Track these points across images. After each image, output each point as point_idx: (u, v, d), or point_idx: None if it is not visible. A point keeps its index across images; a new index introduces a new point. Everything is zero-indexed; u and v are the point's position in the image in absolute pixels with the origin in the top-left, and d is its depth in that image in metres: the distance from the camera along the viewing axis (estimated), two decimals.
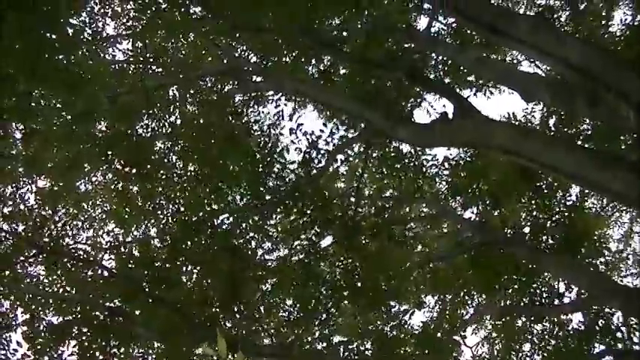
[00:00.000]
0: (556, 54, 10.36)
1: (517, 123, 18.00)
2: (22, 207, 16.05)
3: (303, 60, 15.71)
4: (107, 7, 16.86)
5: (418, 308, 17.27)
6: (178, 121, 16.72)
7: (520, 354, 17.40)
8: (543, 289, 16.64)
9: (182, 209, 16.04)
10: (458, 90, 17.13)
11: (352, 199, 17.10)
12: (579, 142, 16.56)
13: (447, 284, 17.40)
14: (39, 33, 11.03)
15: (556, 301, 16.53)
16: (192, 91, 16.74)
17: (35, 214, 16.10)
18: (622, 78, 9.79)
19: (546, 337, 16.91)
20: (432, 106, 17.35)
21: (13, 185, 16.13)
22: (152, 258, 14.75)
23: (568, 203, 16.80)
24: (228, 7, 13.11)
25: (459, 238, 17.37)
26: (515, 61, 17.25)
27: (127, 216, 17.11)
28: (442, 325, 17.65)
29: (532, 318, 16.93)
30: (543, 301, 16.55)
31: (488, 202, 16.97)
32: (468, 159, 16.85)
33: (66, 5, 11.43)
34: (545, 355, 16.55)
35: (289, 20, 11.21)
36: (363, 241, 15.88)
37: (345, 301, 15.90)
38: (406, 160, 17.31)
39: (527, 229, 16.91)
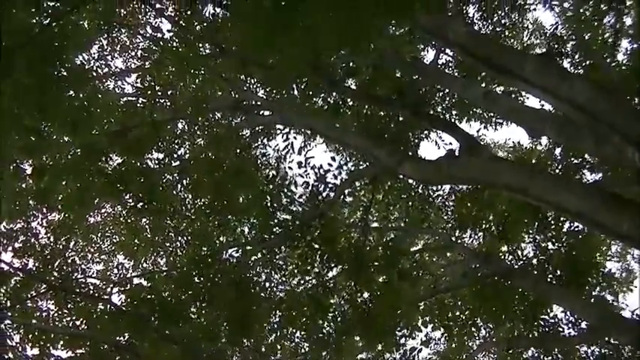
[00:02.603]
0: (561, 95, 10.44)
1: (523, 153, 18.18)
2: (32, 241, 16.15)
3: (311, 94, 15.83)
4: (116, 41, 17.05)
5: (426, 345, 17.30)
6: (187, 155, 16.86)
7: None
8: (551, 321, 16.68)
9: (191, 242, 16.15)
10: (465, 122, 17.31)
11: (360, 231, 17.21)
12: (584, 172, 16.70)
13: (453, 316, 17.43)
14: (46, 69, 11.17)
15: (564, 333, 16.57)
16: (201, 125, 16.85)
17: (45, 249, 16.19)
18: (627, 120, 9.86)
19: None
20: (440, 138, 17.45)
21: (24, 220, 16.25)
22: (160, 292, 14.79)
23: (573, 234, 16.85)
24: (238, 45, 13.25)
25: (465, 269, 17.37)
26: (521, 94, 17.32)
27: (136, 248, 17.25)
28: (449, 357, 17.66)
29: (540, 349, 16.95)
30: (551, 332, 16.58)
31: (494, 232, 17.04)
32: (473, 190, 16.94)
33: (74, 41, 11.59)
34: None
35: (299, 58, 11.30)
36: (371, 274, 15.91)
37: (355, 335, 15.95)
38: (412, 192, 17.44)
39: (533, 260, 16.95)
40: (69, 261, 16.69)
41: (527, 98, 17.05)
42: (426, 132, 16.82)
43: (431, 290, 17.54)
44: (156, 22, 16.61)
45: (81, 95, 12.18)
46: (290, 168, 16.72)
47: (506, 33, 17.57)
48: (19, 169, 14.28)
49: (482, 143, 16.06)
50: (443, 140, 17.35)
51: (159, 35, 15.72)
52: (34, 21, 11.40)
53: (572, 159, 16.64)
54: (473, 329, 17.54)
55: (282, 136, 17.32)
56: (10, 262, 15.63)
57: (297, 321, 15.72)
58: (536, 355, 17.23)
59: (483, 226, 17.19)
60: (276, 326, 15.91)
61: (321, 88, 15.63)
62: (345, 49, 12.34)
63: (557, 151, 17.07)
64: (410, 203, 17.66)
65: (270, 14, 9.52)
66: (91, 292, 16.06)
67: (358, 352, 17.25)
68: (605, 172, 16.24)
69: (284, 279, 16.27)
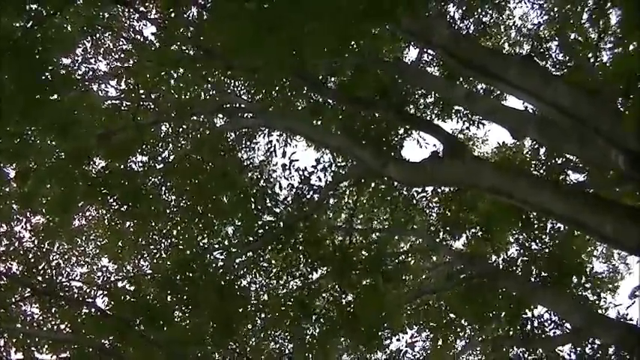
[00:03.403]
0: (545, 98, 10.50)
1: (507, 153, 18.23)
2: (16, 245, 16.09)
3: (293, 96, 15.85)
4: (99, 44, 17.01)
5: (411, 348, 17.32)
6: (171, 157, 16.84)
7: None
8: (534, 321, 16.74)
9: (175, 245, 16.14)
10: (448, 121, 17.36)
11: (344, 233, 17.24)
12: (569, 173, 16.78)
13: (438, 317, 17.48)
14: (30, 73, 11.12)
15: (549, 333, 16.64)
16: (184, 128, 16.84)
17: (29, 253, 16.15)
18: (612, 123, 9.91)
19: None
20: (422, 138, 17.48)
21: (7, 224, 16.20)
22: (144, 295, 14.77)
23: (557, 235, 16.93)
24: (221, 47, 13.22)
25: (449, 271, 17.41)
26: (503, 95, 17.35)
27: (119, 251, 17.22)
28: (435, 358, 17.70)
29: (524, 349, 17.00)
30: (535, 331, 16.64)
31: (477, 233, 17.11)
32: (456, 192, 17.00)
33: (58, 45, 11.55)
34: None
35: (283, 60, 11.30)
36: (356, 276, 15.93)
37: (339, 337, 15.96)
38: (396, 193, 17.48)
39: (518, 261, 17.01)
40: (53, 264, 16.65)
41: (507, 99, 17.13)
42: (408, 132, 16.82)
43: (415, 292, 17.57)
44: (139, 25, 16.63)
45: (65, 99, 12.13)
46: (274, 170, 16.77)
47: (488, 32, 17.66)
48: (2, 173, 14.22)
49: (465, 144, 16.07)
50: (425, 140, 17.40)
51: (141, 38, 15.71)
52: (17, 25, 11.37)
53: (557, 159, 16.70)
54: (458, 330, 17.60)
55: (265, 138, 17.41)
56: None
57: (281, 323, 15.75)
58: (520, 354, 17.29)
59: (467, 227, 17.25)
60: (260, 328, 15.93)
61: (303, 90, 15.65)
62: (329, 53, 12.35)
63: (542, 151, 17.13)
64: (394, 205, 17.68)
65: (253, 16, 9.53)
66: (75, 295, 16.03)
67: (342, 353, 17.24)
68: (589, 173, 16.32)
69: (268, 281, 16.26)
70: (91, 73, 16.64)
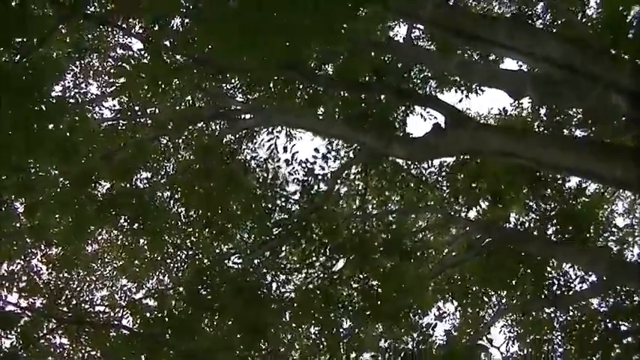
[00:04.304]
0: (536, 53, 10.46)
1: (509, 119, 18.17)
2: (35, 279, 16.10)
3: (289, 90, 15.80)
4: (88, 67, 17.00)
5: (440, 320, 17.29)
6: (175, 169, 16.82)
7: (549, 345, 17.46)
8: (559, 279, 16.72)
9: (192, 255, 16.12)
10: (446, 93, 17.29)
11: (358, 219, 17.19)
12: (572, 129, 16.72)
13: (463, 289, 17.44)
14: (24, 106, 11.10)
15: (576, 288, 16.63)
16: (184, 138, 16.81)
17: (49, 285, 16.15)
18: (606, 69, 9.88)
19: (571, 324, 16.99)
20: (426, 111, 17.34)
21: (23, 259, 16.20)
22: (169, 309, 14.76)
23: (568, 190, 16.91)
24: (209, 52, 13.18)
25: (468, 242, 17.37)
26: (497, 59, 17.25)
27: (137, 270, 17.22)
28: (465, 330, 17.68)
29: (554, 309, 16.99)
30: (562, 290, 16.62)
31: (490, 200, 17.06)
32: (464, 162, 16.95)
33: (47, 74, 11.52)
34: (573, 340, 16.63)
35: (272, 57, 11.25)
36: (376, 260, 15.88)
37: (367, 321, 15.93)
38: (405, 172, 17.44)
39: (533, 223, 16.99)
40: (74, 293, 16.65)
41: (503, 62, 17.04)
42: (410, 109, 16.75)
43: (438, 267, 17.53)
44: (125, 42, 16.58)
45: (61, 126, 12.10)
46: (278, 167, 16.72)
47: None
48: (11, 209, 14.22)
49: (466, 113, 16.01)
50: (429, 113, 17.26)
51: (129, 54, 15.66)
52: (5, 59, 11.36)
53: (559, 117, 16.65)
54: (485, 299, 17.58)
55: (266, 137, 17.35)
56: (16, 303, 15.60)
57: (309, 317, 15.72)
58: (552, 315, 17.28)
59: (479, 196, 17.21)
60: (289, 326, 15.89)
61: (298, 83, 15.60)
62: (319, 41, 12.30)
63: (543, 111, 17.07)
64: (404, 185, 17.64)
65: (237, 16, 9.47)
66: (101, 320, 16.03)
67: (377, 339, 17.21)
68: (593, 125, 16.26)
69: (290, 278, 16.22)
70: (83, 96, 16.60)
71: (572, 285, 16.73)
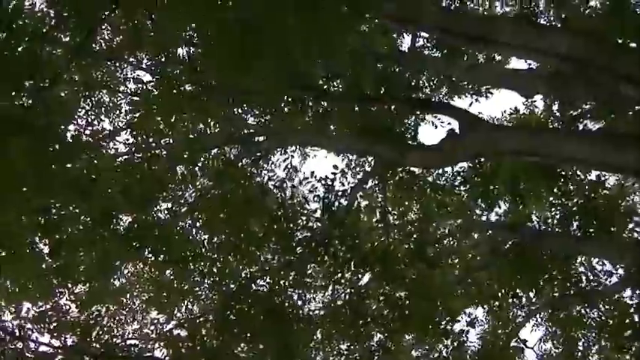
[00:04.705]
0: (543, 49, 10.52)
1: (522, 118, 18.14)
2: (65, 318, 16.12)
3: (300, 110, 15.86)
4: (99, 104, 17.11)
5: (472, 325, 17.23)
6: (193, 197, 16.85)
7: (583, 341, 17.39)
8: (588, 274, 16.66)
9: (218, 282, 16.12)
10: (457, 99, 17.28)
11: (380, 232, 17.19)
12: (585, 122, 16.68)
13: (492, 292, 17.38)
14: (40, 148, 11.19)
15: (605, 282, 16.55)
16: (200, 165, 16.84)
17: (80, 323, 16.17)
18: (612, 57, 9.89)
19: (603, 318, 16.90)
20: (437, 119, 17.31)
21: (52, 300, 16.22)
22: (200, 337, 14.78)
23: (588, 185, 16.87)
24: (216, 77, 13.27)
25: (492, 245, 17.33)
26: (504, 60, 17.25)
27: (165, 300, 17.24)
28: (497, 333, 17.60)
29: (585, 304, 16.90)
30: (591, 285, 16.56)
31: (510, 201, 17.04)
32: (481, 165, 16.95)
33: (59, 115, 11.63)
34: (607, 336, 16.54)
35: (277, 78, 11.30)
36: (401, 270, 15.87)
37: (398, 333, 15.90)
38: (422, 181, 17.44)
39: (555, 219, 16.95)
40: (105, 328, 16.68)
41: (510, 63, 17.02)
42: (421, 118, 16.75)
43: (464, 273, 17.49)
44: (134, 75, 16.71)
45: (78, 165, 12.19)
46: (296, 186, 16.74)
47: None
48: (35, 251, 14.27)
49: (479, 116, 15.98)
50: (440, 120, 17.25)
51: (140, 87, 15.81)
52: (18, 103, 11.47)
53: (572, 111, 16.62)
54: (514, 300, 17.50)
55: (282, 157, 17.41)
56: (48, 343, 15.64)
57: (339, 334, 15.70)
58: (583, 311, 17.19)
59: (499, 197, 17.20)
60: (320, 344, 15.88)
61: (307, 101, 15.65)
62: (320, 58, 12.34)
63: (555, 107, 17.04)
64: (422, 193, 17.63)
65: (238, 40, 9.54)
66: (134, 353, 16.05)
67: (410, 349, 17.18)
68: (605, 117, 16.21)
69: (317, 296, 16.23)
70: (97, 133, 16.68)
71: (601, 279, 16.67)
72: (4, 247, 12.57)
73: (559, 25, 16.13)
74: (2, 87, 10.92)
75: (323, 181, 15.86)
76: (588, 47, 10.04)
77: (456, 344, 16.59)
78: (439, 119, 17.01)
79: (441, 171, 17.25)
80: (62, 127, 11.97)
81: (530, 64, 14.22)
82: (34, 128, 10.99)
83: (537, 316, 18.22)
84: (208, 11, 10.23)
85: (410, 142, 15.90)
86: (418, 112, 16.31)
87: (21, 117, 10.90)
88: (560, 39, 10.26)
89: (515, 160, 14.13)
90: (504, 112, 19.62)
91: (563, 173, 16.62)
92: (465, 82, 16.82)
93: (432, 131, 18.41)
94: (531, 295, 17.41)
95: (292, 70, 10.97)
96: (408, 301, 15.57)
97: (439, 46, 16.66)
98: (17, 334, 15.60)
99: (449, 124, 16.54)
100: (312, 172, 15.95)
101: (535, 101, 17.34)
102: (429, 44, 17.09)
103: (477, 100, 17.51)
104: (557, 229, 16.70)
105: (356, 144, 14.25)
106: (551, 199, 17.11)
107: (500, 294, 17.43)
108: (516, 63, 17.98)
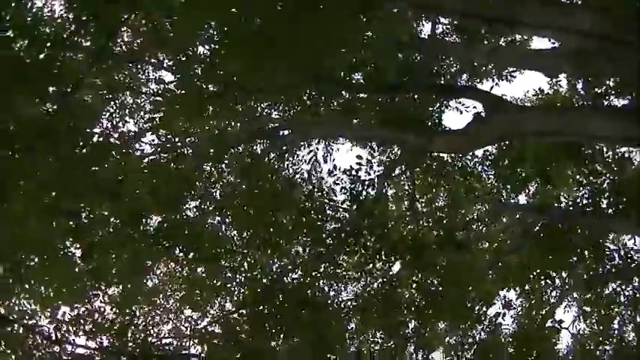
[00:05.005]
0: (567, 27, 10.44)
1: (546, 98, 18.05)
2: (100, 320, 16.22)
3: (322, 101, 15.84)
4: (123, 106, 17.19)
5: (507, 307, 17.18)
6: (221, 194, 16.92)
7: (618, 319, 17.31)
8: (620, 251, 16.56)
9: (250, 277, 16.17)
10: (479, 84, 17.19)
11: (409, 219, 17.18)
12: (610, 99, 16.56)
13: (524, 274, 17.30)
14: (66, 152, 11.27)
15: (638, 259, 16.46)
16: (227, 162, 16.89)
17: (114, 324, 16.27)
18: (636, 33, 9.83)
19: (638, 295, 16.83)
20: (461, 104, 17.24)
21: (87, 302, 16.33)
22: (235, 333, 14.84)
23: (616, 162, 16.77)
24: (239, 77, 13.28)
25: (522, 227, 17.26)
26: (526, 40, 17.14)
27: (198, 298, 17.31)
28: (532, 314, 17.55)
29: (618, 282, 16.82)
30: (624, 262, 16.46)
31: (538, 182, 16.98)
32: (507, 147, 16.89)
33: (84, 118, 11.70)
34: None
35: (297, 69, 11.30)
36: (432, 257, 15.84)
37: (432, 320, 15.91)
38: (449, 167, 17.40)
39: (585, 198, 16.86)
40: (139, 328, 16.77)
41: (531, 44, 16.91)
42: (445, 104, 16.69)
43: (495, 257, 17.44)
44: (156, 76, 16.76)
45: (106, 166, 12.25)
46: (322, 178, 16.74)
47: None
48: (67, 255, 14.36)
49: (504, 98, 15.88)
50: (464, 105, 17.17)
51: (163, 87, 15.87)
52: (42, 110, 11.56)
53: (597, 89, 16.50)
54: (547, 281, 17.42)
55: (306, 150, 17.41)
56: (85, 345, 15.76)
57: (373, 323, 15.72)
58: (617, 289, 17.10)
59: (527, 179, 17.14)
60: (355, 334, 15.90)
61: (330, 94, 15.64)
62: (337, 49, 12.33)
63: (579, 86, 16.93)
64: (450, 179, 17.59)
65: (260, 36, 9.57)
66: (169, 352, 16.14)
67: (444, 336, 17.17)
68: (630, 93, 16.09)
69: (350, 286, 16.25)
70: (122, 135, 16.75)
71: (634, 256, 16.56)
72: (36, 253, 12.69)
73: (581, 2, 16.09)
74: (26, 94, 11.02)
75: (349, 172, 15.84)
76: (612, 24, 9.99)
77: (491, 328, 16.54)
78: (463, 105, 17.02)
79: (469, 155, 17.19)
80: (87, 130, 12.04)
81: (553, 43, 14.12)
82: (59, 133, 11.07)
83: (571, 296, 18.14)
84: (225, 9, 10.30)
85: (436, 128, 15.85)
86: (442, 98, 16.25)
87: (46, 123, 10.99)
88: (583, 16, 10.21)
89: (541, 140, 14.04)
90: (527, 93, 19.66)
91: (590, 152, 16.54)
92: (487, 67, 16.75)
93: (456, 117, 18.32)
94: (564, 275, 17.33)
95: (312, 62, 10.98)
96: (440, 288, 15.56)
97: (459, 31, 16.62)
98: (54, 337, 15.74)
99: (474, 107, 16.57)
100: (336, 165, 15.97)
101: (559, 81, 17.28)
102: (448, 30, 17.07)
103: (497, 84, 17.48)
104: (586, 209, 16.58)
105: (381, 133, 14.22)
106: (578, 178, 17.03)
107: (532, 276, 17.35)
108: (538, 44, 17.80)
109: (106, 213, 13.64)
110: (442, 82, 16.62)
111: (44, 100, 11.56)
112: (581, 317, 18.25)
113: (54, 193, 11.53)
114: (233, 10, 10.17)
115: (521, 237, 17.03)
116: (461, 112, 17.08)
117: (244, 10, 9.85)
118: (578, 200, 16.86)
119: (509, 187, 17.32)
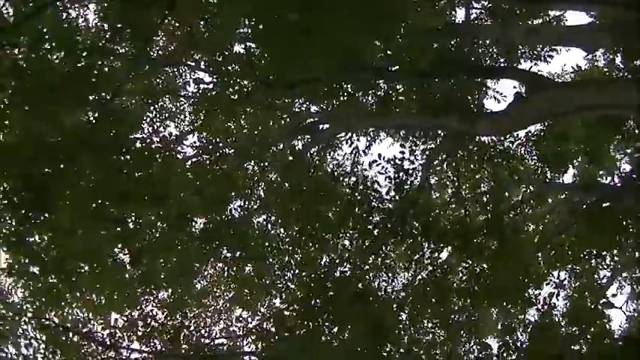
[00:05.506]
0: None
1: (584, 74, 17.87)
2: (152, 323, 16.34)
3: (361, 94, 15.80)
4: (163, 110, 17.30)
5: (561, 287, 17.01)
6: (265, 192, 16.97)
7: None
8: None
9: (299, 273, 16.19)
10: (518, 65, 17.05)
11: (454, 206, 17.10)
12: None
13: (574, 255, 17.15)
14: (110, 159, 11.36)
15: None
16: (269, 160, 16.93)
17: (166, 326, 16.38)
18: None
19: None
20: (498, 92, 17.17)
21: (139, 307, 16.45)
22: (289, 329, 14.85)
23: None
24: (276, 70, 13.29)
25: (569, 206, 17.11)
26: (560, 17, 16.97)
27: (248, 297, 17.38)
28: (584, 295, 17.39)
29: None
30: None
31: (581, 160, 16.83)
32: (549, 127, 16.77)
33: (127, 124, 11.79)
34: None
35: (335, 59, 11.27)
36: (480, 242, 15.74)
37: (482, 305, 15.80)
38: (491, 150, 17.30)
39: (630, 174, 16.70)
40: (192, 330, 16.87)
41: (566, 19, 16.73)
42: (484, 88, 16.59)
43: (543, 238, 17.30)
44: (194, 77, 16.86)
45: (150, 171, 12.32)
46: (365, 169, 16.72)
47: None
48: (116, 262, 14.46)
49: (544, 76, 15.73)
50: (502, 94, 17.08)
51: (200, 88, 15.95)
52: (84, 119, 11.67)
53: (634, 61, 16.30)
54: (597, 261, 17.26)
55: (347, 143, 17.40)
56: (139, 350, 15.88)
57: (425, 311, 15.66)
58: None
59: (569, 159, 17.01)
60: (408, 323, 15.84)
61: (368, 84, 15.60)
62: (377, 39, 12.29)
63: (618, 59, 16.74)
64: (493, 163, 17.47)
65: (293, 27, 9.56)
66: (223, 352, 16.21)
67: (496, 321, 17.06)
68: None
69: (399, 276, 16.21)
70: (164, 139, 16.85)
71: None
72: (85, 261, 12.79)
73: None
74: (67, 104, 11.12)
75: (392, 162, 15.80)
76: None
77: (543, 310, 16.39)
78: (500, 93, 16.93)
79: (511, 137, 17.08)
80: (129, 137, 12.13)
81: (591, 17, 13.97)
82: (101, 141, 11.16)
83: (622, 274, 17.97)
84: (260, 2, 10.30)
85: (478, 111, 15.75)
86: (481, 80, 16.15)
87: (88, 132, 11.08)
88: None
89: (584, 115, 13.91)
90: (563, 70, 19.47)
91: (633, 127, 16.35)
92: (524, 47, 16.59)
93: (494, 105, 18.17)
94: (614, 253, 17.15)
95: (349, 51, 10.96)
96: (489, 272, 15.46)
97: (493, 15, 16.50)
98: (108, 343, 15.89)
99: (514, 87, 16.44)
100: (380, 154, 15.93)
101: (596, 56, 17.08)
102: (482, 15, 16.96)
103: (535, 64, 17.31)
104: (633, 184, 16.40)
105: (422, 120, 14.16)
106: (622, 153, 16.87)
107: (581, 256, 17.20)
108: (573, 20, 17.65)
109: (153, 217, 13.72)
110: (482, 63, 16.51)
111: (85, 109, 11.68)
112: (633, 297, 18.07)
113: (99, 201, 11.62)
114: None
115: (568, 217, 16.86)
116: (498, 101, 17.07)
117: (280, 1, 9.84)
118: (625, 176, 16.67)
119: (552, 166, 17.17)
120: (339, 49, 10.29)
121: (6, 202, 11.02)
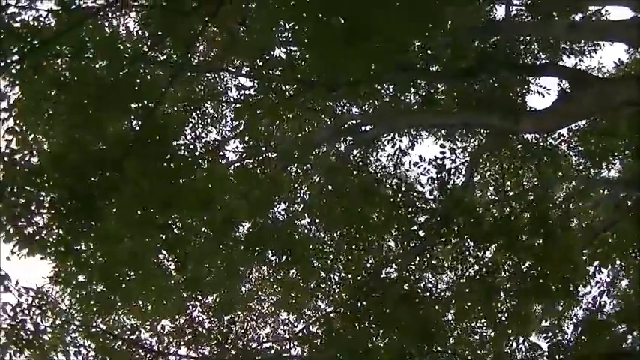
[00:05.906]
0: None
1: (627, 68, 17.71)
2: (199, 329, 16.42)
3: (402, 93, 15.78)
4: (205, 116, 17.39)
5: (612, 286, 16.86)
6: (308, 195, 17.00)
7: None
8: None
9: (344, 276, 16.20)
10: (561, 62, 16.94)
11: (499, 204, 17.00)
12: None
13: (621, 249, 16.97)
14: (155, 166, 11.44)
15: None
16: (313, 163, 16.96)
17: (213, 331, 16.47)
18: None
19: None
20: (541, 86, 17.03)
21: (184, 313, 16.55)
22: (336, 331, 14.84)
23: None
24: (318, 72, 13.32)
25: (614, 202, 16.94)
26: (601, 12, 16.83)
27: (294, 300, 17.41)
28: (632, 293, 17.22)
29: None
30: None
31: (626, 155, 16.67)
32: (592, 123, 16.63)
33: (170, 131, 11.86)
34: None
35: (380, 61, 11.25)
36: (525, 240, 15.64)
37: (528, 303, 15.69)
38: (535, 147, 17.19)
39: None
40: (239, 335, 16.95)
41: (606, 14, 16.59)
42: (526, 85, 16.50)
43: (588, 234, 17.14)
44: (235, 82, 16.95)
45: (194, 177, 12.39)
46: (408, 170, 16.68)
47: None
48: (162, 268, 14.56)
49: (587, 72, 15.62)
50: (546, 88, 16.92)
51: (242, 93, 16.00)
52: (128, 126, 11.78)
53: None
54: None
55: (389, 144, 17.37)
56: (187, 355, 15.97)
57: (472, 311, 15.57)
58: None
59: (614, 154, 16.85)
60: (455, 323, 15.78)
61: (409, 83, 15.57)
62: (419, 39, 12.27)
63: None
64: (536, 160, 17.36)
65: (339, 32, 9.57)
66: (271, 355, 16.24)
67: (539, 320, 16.93)
68: None
69: (446, 276, 16.15)
70: (207, 145, 16.94)
71: None
72: (132, 268, 12.89)
73: None
74: (110, 112, 11.22)
75: (434, 162, 15.75)
76: None
77: (591, 307, 16.25)
78: (544, 87, 16.80)
79: (555, 135, 16.97)
80: (173, 143, 12.20)
81: (634, 11, 13.83)
82: (146, 148, 11.25)
83: None
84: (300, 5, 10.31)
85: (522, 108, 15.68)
86: (525, 78, 16.07)
87: (132, 139, 11.17)
88: None
89: (630, 111, 13.76)
90: (604, 65, 19.28)
91: None
92: (567, 43, 16.48)
93: (540, 95, 17.98)
94: None
95: (391, 51, 10.94)
96: (536, 270, 15.34)
97: (533, 11, 16.40)
98: (156, 349, 15.99)
99: (558, 84, 16.32)
100: (421, 156, 15.89)
101: (638, 50, 16.91)
102: (522, 12, 16.86)
103: (580, 60, 17.17)
104: None
105: (466, 117, 14.10)
106: None
107: (627, 252, 17.01)
108: (614, 15, 17.44)
109: (197, 223, 13.79)
110: (525, 60, 16.42)
111: (129, 117, 11.78)
112: None
113: (145, 208, 11.71)
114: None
115: (613, 212, 16.70)
116: (542, 96, 16.91)
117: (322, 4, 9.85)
118: None
119: (596, 162, 17.03)
120: (387, 51, 10.29)
121: (53, 211, 11.14)
